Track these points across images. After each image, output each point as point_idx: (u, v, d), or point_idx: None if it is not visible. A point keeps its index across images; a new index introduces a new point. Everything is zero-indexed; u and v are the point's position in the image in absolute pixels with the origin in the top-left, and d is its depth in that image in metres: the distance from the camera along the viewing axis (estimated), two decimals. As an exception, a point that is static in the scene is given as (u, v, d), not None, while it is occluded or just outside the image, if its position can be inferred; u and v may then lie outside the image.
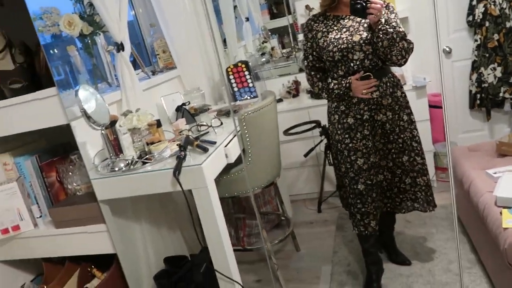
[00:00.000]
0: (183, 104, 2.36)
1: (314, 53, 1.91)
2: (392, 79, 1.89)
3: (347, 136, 1.91)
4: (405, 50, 1.74)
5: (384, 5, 1.81)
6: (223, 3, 3.35)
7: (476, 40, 2.92)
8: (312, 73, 1.94)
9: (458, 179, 2.17)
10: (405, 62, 1.80)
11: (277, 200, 2.54)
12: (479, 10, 2.83)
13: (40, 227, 1.79)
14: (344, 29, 1.83)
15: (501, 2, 2.76)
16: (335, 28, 1.85)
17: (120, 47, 2.07)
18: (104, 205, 1.69)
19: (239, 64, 3.12)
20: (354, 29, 1.81)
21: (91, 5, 2.03)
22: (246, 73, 3.09)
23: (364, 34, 1.78)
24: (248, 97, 3.06)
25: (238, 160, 1.93)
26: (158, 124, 1.94)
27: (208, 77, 3.10)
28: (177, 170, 1.54)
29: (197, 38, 3.01)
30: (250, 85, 3.08)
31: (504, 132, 3.11)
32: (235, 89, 3.07)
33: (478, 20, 2.85)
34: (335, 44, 1.81)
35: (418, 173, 1.92)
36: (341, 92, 1.85)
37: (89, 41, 2.05)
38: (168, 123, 2.34)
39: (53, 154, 1.83)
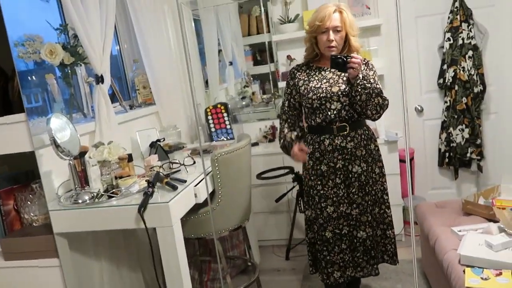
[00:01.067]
0: (158, 140, 2.35)
1: (292, 100, 2.00)
2: (366, 131, 1.96)
3: (319, 182, 1.93)
4: (380, 106, 1.83)
5: (363, 62, 1.91)
6: (208, 46, 3.45)
7: (446, 102, 3.07)
8: (284, 117, 2.05)
9: (425, 234, 2.19)
10: (379, 117, 1.88)
11: (244, 244, 2.49)
12: (449, 74, 3.00)
13: (-11, 259, 1.68)
14: (325, 80, 1.92)
15: (469, 68, 2.95)
16: (316, 78, 1.94)
17: (100, 79, 2.07)
18: (62, 238, 1.62)
19: (219, 106, 3.16)
20: (334, 81, 1.90)
21: (75, 36, 2.06)
22: (225, 114, 3.13)
23: (343, 86, 1.86)
24: (225, 138, 3.08)
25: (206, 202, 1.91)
26: (130, 158, 1.92)
27: (186, 116, 3.12)
28: (142, 207, 1.50)
29: (179, 77, 3.06)
30: (228, 126, 3.11)
31: (471, 191, 3.20)
32: (213, 129, 3.09)
33: (448, 83, 3.02)
34: (315, 92, 1.89)
35: (388, 225, 1.95)
36: (286, 144, 2.02)
37: (69, 71, 2.05)
38: (140, 158, 2.31)
39: (14, 181, 1.75)
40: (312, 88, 1.91)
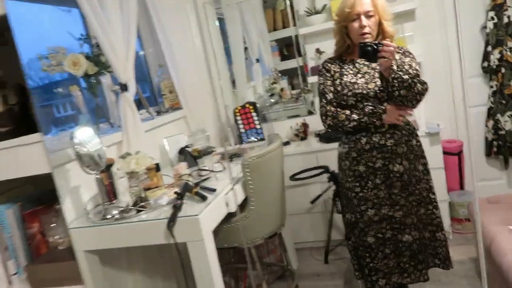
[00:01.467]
0: (186, 146, 2.28)
1: (333, 89, 1.82)
2: (407, 126, 1.80)
3: (357, 184, 1.80)
4: (419, 93, 1.67)
5: (399, 50, 1.75)
6: (233, 45, 3.36)
7: (492, 87, 2.83)
8: (332, 108, 1.80)
9: (481, 232, 2.01)
10: (418, 104, 1.71)
11: (281, 249, 2.39)
12: (495, 56, 2.76)
13: (14, 286, 1.60)
14: (359, 74, 1.77)
15: (516, 49, 2.69)
16: (351, 72, 1.79)
17: (124, 87, 2.03)
18: (92, 255, 1.57)
19: (247, 105, 3.07)
20: (370, 75, 1.75)
21: (98, 45, 2.02)
22: (254, 114, 3.04)
23: (379, 82, 1.71)
24: (255, 139, 2.98)
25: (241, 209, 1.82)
26: (157, 168, 1.86)
27: (215, 118, 3.05)
28: (171, 221, 1.43)
29: (205, 79, 2.99)
30: (258, 126, 3.01)
31: (522, 183, 2.95)
32: (242, 130, 3.00)
33: (494, 67, 2.78)
34: (350, 88, 1.75)
35: (437, 227, 1.79)
36: (374, 116, 1.71)
37: (94, 81, 2.01)
38: (170, 166, 2.25)
39: (38, 202, 1.67)
40: (347, 84, 1.76)
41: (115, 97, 2.26)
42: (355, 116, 1.74)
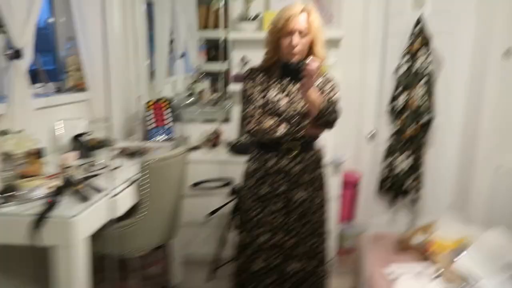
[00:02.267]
0: (83, 133, 2.05)
1: (260, 99, 1.74)
2: (317, 153, 1.81)
3: (258, 206, 1.76)
4: (334, 121, 1.70)
5: (324, 77, 1.75)
6: (159, 34, 3.17)
7: (394, 127, 3.04)
8: (258, 114, 1.72)
9: (359, 267, 2.10)
10: (328, 129, 1.75)
11: (167, 261, 2.26)
12: (401, 99, 2.97)
13: None
14: (285, 93, 1.73)
15: (421, 96, 2.93)
16: (276, 88, 1.74)
17: (17, 53, 1.75)
18: None
19: (162, 100, 2.91)
20: (295, 96, 1.72)
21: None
22: (168, 111, 2.89)
23: (301, 103, 1.68)
24: (163, 138, 2.82)
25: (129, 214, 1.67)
26: (40, 153, 1.63)
27: (123, 108, 2.82)
28: (39, 220, 1.24)
29: (119, 63, 2.76)
30: (169, 125, 2.86)
31: (405, 221, 3.18)
32: (151, 126, 2.83)
33: (399, 109, 2.99)
34: (272, 105, 1.70)
35: (321, 260, 1.82)
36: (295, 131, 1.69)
37: (-21, 39, 1.71)
38: (59, 153, 2.01)
39: None
40: (271, 99, 1.71)
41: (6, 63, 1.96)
42: (281, 129, 1.69)
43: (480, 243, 1.87)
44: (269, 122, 1.69)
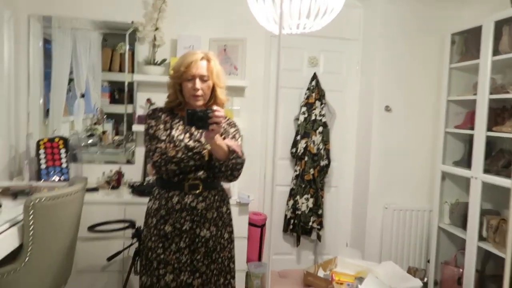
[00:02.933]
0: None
1: (164, 136, 1.71)
2: (221, 193, 1.81)
3: (160, 245, 1.67)
4: (238, 169, 1.70)
5: (226, 119, 1.80)
6: (56, 72, 2.99)
7: (295, 171, 3.22)
8: (163, 145, 1.67)
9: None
10: (235, 179, 1.75)
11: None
12: (301, 145, 3.18)
13: None
14: (188, 134, 1.72)
15: (318, 143, 3.18)
16: (180, 127, 1.72)
17: None
18: None
19: (56, 140, 2.69)
20: (197, 137, 1.72)
21: None
22: (62, 150, 2.68)
23: (208, 147, 1.69)
24: (57, 178, 2.58)
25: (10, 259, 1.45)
26: None
27: (9, 145, 2.54)
28: None
29: (8, 98, 2.51)
30: (64, 165, 2.65)
31: (309, 259, 3.31)
32: (43, 166, 2.58)
33: (300, 154, 3.18)
34: (176, 145, 1.67)
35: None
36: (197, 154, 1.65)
37: None
38: None
39: None
40: (175, 139, 1.69)
41: None
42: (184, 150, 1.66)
43: (373, 276, 2.00)
44: (173, 151, 1.66)
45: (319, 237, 3.22)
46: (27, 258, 1.52)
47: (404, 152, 3.16)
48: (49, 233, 1.60)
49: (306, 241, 3.30)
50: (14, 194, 1.80)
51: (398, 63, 3.12)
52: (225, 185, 1.97)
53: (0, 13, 2.39)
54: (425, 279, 2.82)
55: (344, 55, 3.34)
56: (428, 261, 3.01)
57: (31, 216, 1.51)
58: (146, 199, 1.97)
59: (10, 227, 1.46)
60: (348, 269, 2.11)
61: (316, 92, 3.20)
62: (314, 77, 3.22)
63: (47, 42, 2.97)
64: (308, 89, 3.22)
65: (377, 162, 3.15)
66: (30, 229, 1.52)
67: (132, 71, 3.00)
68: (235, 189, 2.72)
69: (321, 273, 2.11)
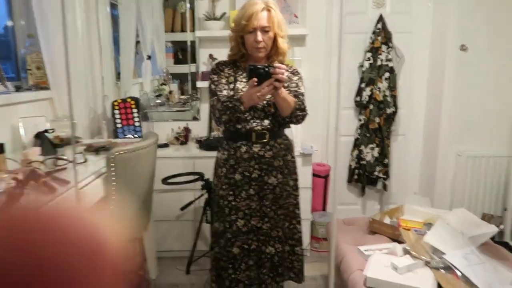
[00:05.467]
0: (46, 131, 2.00)
1: (227, 90, 1.76)
2: (285, 141, 1.84)
3: (231, 193, 1.77)
4: (301, 117, 1.75)
5: (288, 68, 1.80)
6: (124, 35, 3.13)
7: (360, 120, 3.13)
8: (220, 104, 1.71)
9: (334, 251, 2.13)
10: (299, 123, 1.78)
11: (140, 257, 2.22)
12: (366, 93, 3.06)
13: None
14: None
15: (385, 89, 3.03)
16: (244, 80, 1.76)
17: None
18: None
19: (128, 100, 2.87)
20: None
21: None
22: (134, 110, 2.85)
23: (268, 96, 1.72)
24: (131, 136, 2.79)
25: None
26: (1, 149, 1.57)
27: (89, 107, 2.77)
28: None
29: (84, 62, 2.70)
30: (136, 124, 2.83)
31: (375, 208, 3.29)
32: (119, 125, 2.79)
33: (364, 102, 3.08)
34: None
35: (297, 241, 1.85)
36: (231, 105, 1.64)
37: None
38: (21, 151, 1.94)
39: None
40: (239, 91, 1.74)
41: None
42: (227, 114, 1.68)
43: (444, 221, 1.94)
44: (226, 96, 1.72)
45: (385, 187, 3.17)
46: (111, 206, 1.70)
47: (479, 95, 2.91)
48: (129, 183, 1.76)
49: (372, 191, 3.26)
50: (96, 150, 1.99)
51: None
52: (289, 135, 2.00)
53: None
54: (501, 227, 2.68)
55: (414, -8, 3.06)
56: (505, 209, 2.84)
57: (113, 168, 1.67)
58: (213, 153, 2.07)
59: (96, 178, 1.63)
60: (416, 217, 2.07)
61: (382, 36, 3.01)
62: (380, 19, 3.01)
63: (113, 7, 3.10)
64: (374, 32, 3.04)
65: (449, 107, 2.95)
66: (113, 179, 1.68)
67: (193, 30, 3.04)
68: (298, 140, 2.73)
69: (387, 221, 2.09)
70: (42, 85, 2.34)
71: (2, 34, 2.42)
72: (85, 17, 2.80)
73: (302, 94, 1.79)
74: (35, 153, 1.69)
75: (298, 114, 1.72)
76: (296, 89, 1.78)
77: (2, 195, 1.33)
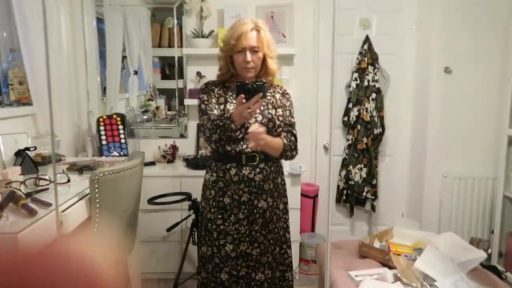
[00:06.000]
0: (27, 148, 1.92)
1: (217, 108, 1.73)
2: (276, 164, 1.81)
3: (220, 216, 1.72)
4: (291, 157, 1.77)
5: (279, 90, 1.79)
6: (110, 49, 3.08)
7: (348, 140, 3.13)
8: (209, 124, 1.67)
9: (322, 276, 2.09)
10: (290, 158, 1.79)
11: (124, 279, 2.13)
12: (354, 113, 3.07)
13: None
14: None
15: (372, 110, 3.05)
16: (234, 101, 1.72)
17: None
18: None
19: (114, 116, 2.81)
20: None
21: None
22: (121, 127, 2.79)
23: (259, 118, 1.69)
24: (117, 154, 2.72)
25: (79, 231, 1.56)
26: (-22, 168, 1.49)
27: (73, 124, 2.69)
28: (-23, 238, 1.12)
29: (68, 78, 2.64)
30: (122, 140, 2.76)
31: (363, 229, 3.27)
32: (104, 142, 2.71)
33: (352, 122, 3.08)
34: None
35: (287, 267, 1.80)
36: (222, 124, 1.59)
37: None
38: (1, 170, 1.85)
39: None
40: (229, 112, 1.70)
41: None
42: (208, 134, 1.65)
43: (433, 246, 1.93)
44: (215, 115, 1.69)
45: (373, 208, 3.16)
46: (95, 229, 1.62)
47: (465, 116, 2.95)
48: (114, 205, 1.69)
49: (360, 211, 3.25)
50: (80, 169, 1.92)
51: (460, 18, 2.85)
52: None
53: (55, -5, 2.47)
54: (489, 251, 2.69)
55: (399, 14, 3.11)
56: (492, 232, 2.86)
57: (97, 189, 1.60)
58: (200, 172, 2.02)
59: (79, 200, 1.56)
60: (405, 240, 2.05)
61: (368, 56, 3.05)
62: (366, 40, 3.06)
63: (100, 21, 3.06)
64: (360, 53, 3.07)
65: (435, 128, 2.98)
66: (97, 201, 1.61)
67: (181, 46, 3.02)
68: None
69: (376, 244, 2.07)
70: (24, 101, 2.26)
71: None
72: (71, 31, 2.75)
73: (294, 125, 1.78)
74: (15, 172, 1.62)
75: (288, 155, 1.74)
76: (289, 118, 1.77)
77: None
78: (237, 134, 1.65)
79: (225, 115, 1.61)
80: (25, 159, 1.84)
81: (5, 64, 2.28)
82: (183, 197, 2.39)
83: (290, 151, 1.72)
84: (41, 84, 2.25)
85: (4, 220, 1.25)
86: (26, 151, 1.89)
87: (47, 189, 1.60)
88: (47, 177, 1.66)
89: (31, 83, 2.22)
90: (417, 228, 2.34)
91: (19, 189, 1.47)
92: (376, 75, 3.07)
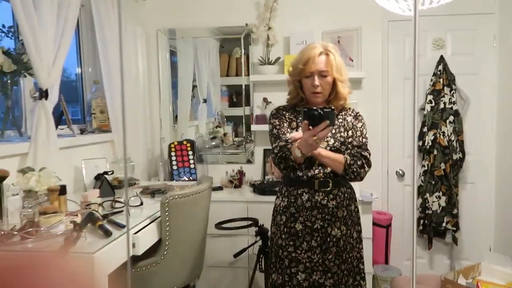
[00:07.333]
0: (105, 172, 2.03)
1: (289, 132, 1.71)
2: (349, 190, 1.73)
3: (291, 243, 1.66)
4: (358, 173, 1.64)
5: (350, 112, 1.72)
6: (182, 79, 3.24)
7: (423, 166, 2.92)
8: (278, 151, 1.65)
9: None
10: (360, 178, 1.67)
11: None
12: (429, 137, 2.88)
13: None
14: None
15: (449, 134, 2.83)
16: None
17: (44, 94, 1.78)
18: None
19: (184, 142, 2.91)
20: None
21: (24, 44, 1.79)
22: (190, 152, 2.87)
23: (331, 141, 1.64)
24: (187, 178, 2.79)
25: (151, 252, 1.59)
26: (62, 191, 1.60)
27: (146, 149, 2.83)
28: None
29: (143, 107, 2.80)
30: (192, 166, 2.83)
31: (444, 264, 2.99)
32: (174, 167, 2.80)
33: (427, 147, 2.88)
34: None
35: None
36: (284, 155, 1.57)
37: (8, 80, 1.75)
38: (81, 192, 1.98)
39: None
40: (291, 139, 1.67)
41: (33, 103, 2.00)
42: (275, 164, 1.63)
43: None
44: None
45: (455, 240, 2.88)
46: (165, 252, 1.65)
47: None
48: (183, 228, 1.71)
49: (439, 243, 2.97)
50: (152, 192, 1.98)
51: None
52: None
53: (133, 30, 2.67)
54: None
55: (476, 32, 2.91)
56: None
57: (167, 213, 1.64)
58: (267, 198, 1.98)
59: (150, 222, 1.60)
60: (496, 278, 1.82)
61: (444, 77, 2.86)
62: (441, 60, 2.88)
63: (172, 54, 3.24)
64: (434, 74, 2.90)
65: (526, 153, 2.68)
66: (167, 224, 1.64)
67: (248, 74, 3.08)
68: (357, 186, 2.58)
69: (462, 281, 1.86)
70: (104, 128, 2.43)
71: (72, 80, 2.58)
72: (147, 64, 2.94)
73: (365, 145, 1.68)
74: (94, 195, 1.71)
75: (353, 170, 1.61)
76: (359, 138, 1.69)
77: (61, 237, 1.32)
78: (301, 162, 1.60)
79: (288, 146, 1.58)
80: (104, 183, 1.94)
81: (89, 95, 2.48)
82: (250, 222, 2.36)
83: (355, 166, 1.61)
84: (120, 113, 2.40)
85: (83, 240, 1.30)
86: (105, 175, 2.00)
87: (122, 211, 1.66)
88: (122, 200, 1.73)
89: (111, 112, 2.38)
90: (509, 265, 2.07)
91: (97, 211, 1.54)
92: (453, 96, 2.87)
